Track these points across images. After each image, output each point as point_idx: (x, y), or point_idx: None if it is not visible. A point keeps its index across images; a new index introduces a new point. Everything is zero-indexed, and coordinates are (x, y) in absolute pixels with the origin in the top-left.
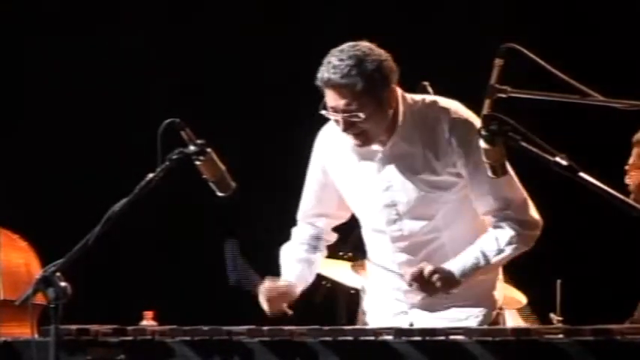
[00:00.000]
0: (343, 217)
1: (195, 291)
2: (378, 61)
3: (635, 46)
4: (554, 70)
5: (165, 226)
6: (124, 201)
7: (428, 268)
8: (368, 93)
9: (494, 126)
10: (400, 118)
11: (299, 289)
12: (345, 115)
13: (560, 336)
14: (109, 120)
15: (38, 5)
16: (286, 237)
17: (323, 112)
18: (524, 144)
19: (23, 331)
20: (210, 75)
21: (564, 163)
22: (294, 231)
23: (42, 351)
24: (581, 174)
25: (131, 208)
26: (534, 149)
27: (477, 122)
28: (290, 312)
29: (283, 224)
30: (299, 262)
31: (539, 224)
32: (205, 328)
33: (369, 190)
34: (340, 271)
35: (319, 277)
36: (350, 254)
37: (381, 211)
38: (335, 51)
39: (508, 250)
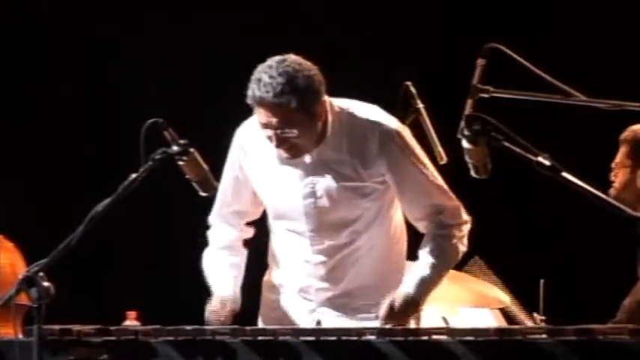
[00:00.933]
0: (257, 214)
1: (178, 291)
2: (309, 76)
3: (619, 46)
4: (536, 70)
5: (148, 226)
6: (107, 201)
7: (397, 301)
8: (301, 110)
9: (476, 126)
10: (329, 127)
11: (239, 297)
12: (278, 131)
13: (544, 336)
14: (93, 119)
15: None
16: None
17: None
18: (506, 144)
19: (6, 331)
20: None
21: (547, 163)
22: (212, 234)
23: (25, 351)
24: (564, 174)
25: (114, 208)
26: (517, 149)
27: (399, 127)
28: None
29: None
30: (231, 268)
31: (466, 220)
32: (189, 328)
33: (290, 195)
34: None
35: None
36: None
37: (302, 216)
38: (264, 67)
39: (455, 258)
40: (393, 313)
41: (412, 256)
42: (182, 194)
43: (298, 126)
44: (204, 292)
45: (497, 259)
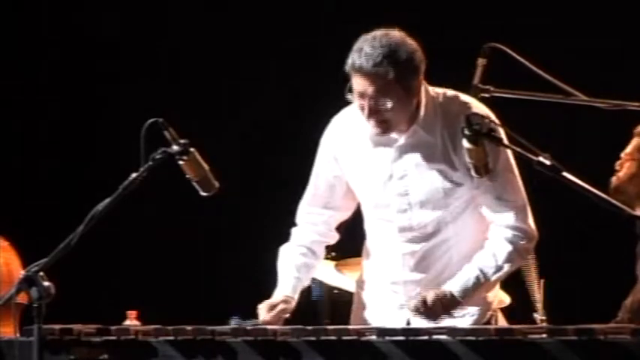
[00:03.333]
0: (349, 210)
1: (178, 291)
2: (411, 51)
3: (619, 46)
4: (537, 70)
5: (148, 226)
6: (107, 200)
7: (430, 297)
8: (398, 82)
9: (477, 125)
10: (422, 108)
11: (295, 300)
12: (372, 102)
13: (544, 336)
14: (93, 118)
15: None
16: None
17: (348, 96)
18: (507, 143)
19: (6, 330)
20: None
21: (547, 162)
22: (295, 232)
23: (25, 351)
24: (565, 173)
25: (115, 208)
26: (517, 149)
27: (493, 115)
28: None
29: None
30: (298, 269)
31: (535, 236)
32: (189, 327)
33: (382, 178)
34: (323, 271)
35: None
36: (333, 254)
37: (393, 200)
38: (367, 38)
39: (506, 267)
40: (425, 309)
41: None
42: (183, 194)
43: (393, 98)
44: (205, 292)
45: None
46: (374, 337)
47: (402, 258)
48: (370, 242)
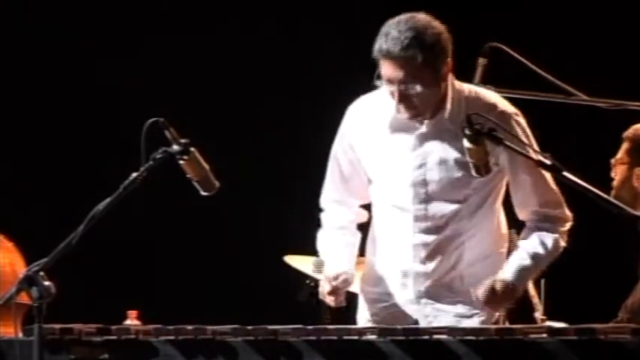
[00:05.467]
0: (368, 197)
1: (179, 290)
2: (438, 33)
3: (619, 46)
4: (538, 70)
5: (149, 226)
6: (107, 200)
7: (498, 285)
8: (426, 66)
9: (477, 125)
10: (449, 100)
11: (354, 273)
12: (402, 86)
13: (544, 335)
14: (94, 118)
15: None
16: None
17: (377, 82)
18: (508, 143)
19: (7, 330)
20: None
21: (548, 162)
22: (325, 216)
23: (26, 350)
24: (565, 173)
25: (115, 207)
26: (518, 148)
27: (518, 112)
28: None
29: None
30: (346, 247)
31: (570, 219)
32: (189, 327)
33: (400, 166)
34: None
35: (303, 277)
36: None
37: (410, 189)
38: (392, 22)
39: (555, 253)
40: (494, 297)
41: None
42: (183, 194)
43: (422, 82)
44: (205, 292)
45: None
46: (375, 337)
47: (414, 249)
48: (380, 233)
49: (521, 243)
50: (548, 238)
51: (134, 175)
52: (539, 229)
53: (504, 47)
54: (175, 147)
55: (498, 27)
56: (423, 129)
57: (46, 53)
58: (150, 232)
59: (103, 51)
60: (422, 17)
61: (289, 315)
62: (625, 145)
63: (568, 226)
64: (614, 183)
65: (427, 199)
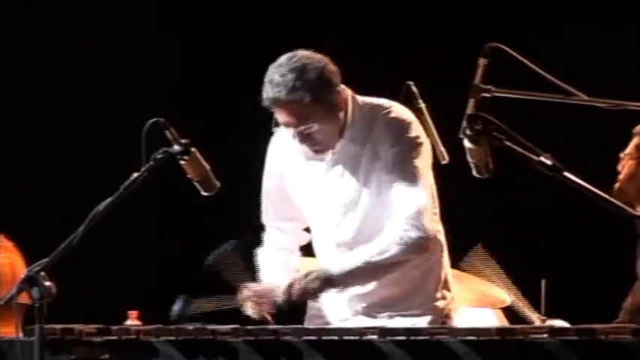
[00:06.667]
0: (306, 221)
1: (179, 290)
2: (319, 67)
3: (619, 46)
4: (538, 70)
5: (149, 225)
6: (108, 200)
7: (297, 280)
8: (316, 102)
9: (478, 125)
10: (349, 118)
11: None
12: (300, 128)
13: (545, 336)
14: (95, 118)
15: None
16: None
17: (276, 129)
18: (508, 143)
19: (8, 330)
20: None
21: (549, 162)
22: (267, 236)
23: (26, 350)
24: (566, 173)
25: (116, 208)
26: (519, 149)
27: (412, 120)
28: (271, 320)
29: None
30: (280, 268)
31: (428, 235)
32: (190, 327)
33: (316, 191)
34: None
35: None
36: None
37: (327, 212)
38: (274, 67)
39: (392, 251)
40: (291, 290)
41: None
42: (183, 194)
43: (317, 120)
44: (205, 292)
45: (499, 258)
46: (375, 337)
47: (337, 249)
48: (318, 255)
49: (370, 244)
50: (389, 237)
51: (135, 175)
52: (391, 236)
53: (504, 47)
54: (176, 147)
55: (498, 27)
56: (329, 155)
57: (46, 53)
58: (150, 232)
59: (103, 51)
60: (301, 54)
61: (289, 315)
62: (635, 141)
63: (420, 236)
64: (620, 176)
65: (343, 221)
